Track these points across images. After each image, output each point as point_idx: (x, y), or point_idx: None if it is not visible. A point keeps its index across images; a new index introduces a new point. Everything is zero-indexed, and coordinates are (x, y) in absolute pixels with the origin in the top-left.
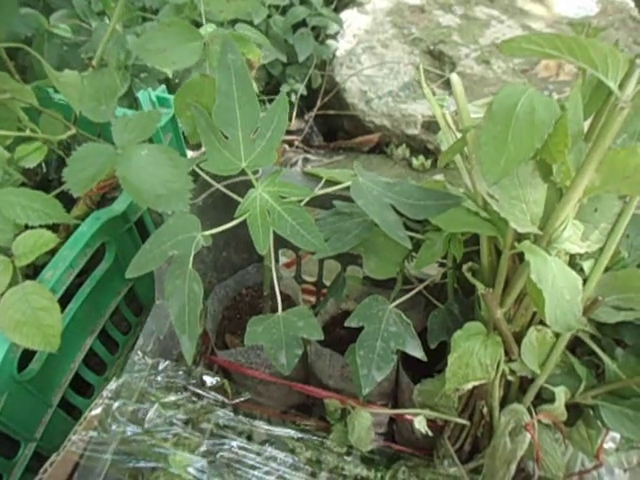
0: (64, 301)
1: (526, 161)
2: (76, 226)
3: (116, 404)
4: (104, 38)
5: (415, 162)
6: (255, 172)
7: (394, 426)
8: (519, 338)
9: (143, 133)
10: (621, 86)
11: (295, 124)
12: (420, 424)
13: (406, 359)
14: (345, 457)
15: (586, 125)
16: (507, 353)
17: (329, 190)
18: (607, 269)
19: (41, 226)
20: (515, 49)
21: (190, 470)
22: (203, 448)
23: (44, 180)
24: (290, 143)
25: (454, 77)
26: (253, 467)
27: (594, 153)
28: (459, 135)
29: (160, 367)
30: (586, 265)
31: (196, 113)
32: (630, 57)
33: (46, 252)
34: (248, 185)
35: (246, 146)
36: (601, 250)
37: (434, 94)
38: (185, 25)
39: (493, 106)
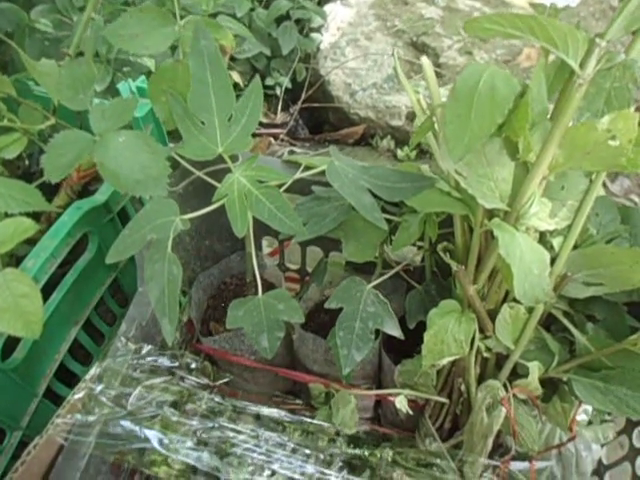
0: (48, 291)
1: (489, 137)
2: (58, 216)
3: (99, 387)
4: (79, 27)
5: (400, 153)
6: (235, 159)
7: (379, 410)
8: (493, 315)
9: (120, 120)
10: (582, 65)
11: (280, 117)
12: (401, 403)
13: (388, 341)
14: (334, 438)
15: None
16: (482, 330)
17: (305, 174)
18: (577, 246)
19: (21, 214)
20: (478, 29)
21: (179, 451)
22: (191, 429)
23: (26, 173)
24: (275, 136)
25: (424, 60)
26: (241, 447)
27: (556, 129)
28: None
29: (143, 352)
30: (556, 242)
31: (171, 100)
32: (589, 36)
33: (27, 243)
34: (228, 172)
35: (222, 131)
36: (569, 227)
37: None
38: (158, 11)
39: (457, 85)
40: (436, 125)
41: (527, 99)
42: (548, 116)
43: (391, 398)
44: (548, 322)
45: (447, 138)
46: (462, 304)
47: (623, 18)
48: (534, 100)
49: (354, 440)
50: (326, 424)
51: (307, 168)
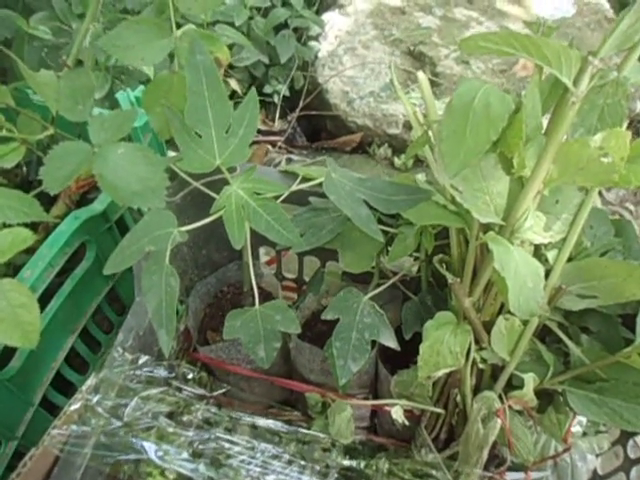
0: (45, 300)
1: (484, 153)
2: (55, 225)
3: (96, 398)
4: (78, 37)
5: (397, 161)
6: (233, 170)
7: (375, 420)
8: (489, 327)
9: (119, 132)
10: (575, 82)
11: (278, 125)
12: (397, 413)
13: (384, 352)
14: (330, 448)
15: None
16: (478, 342)
17: (303, 186)
18: (571, 259)
19: (19, 225)
20: (473, 47)
21: (175, 462)
22: (187, 440)
23: (24, 182)
24: (273, 144)
25: (420, 74)
26: (237, 459)
27: (550, 145)
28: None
29: (140, 362)
30: (550, 255)
31: (169, 113)
32: (582, 55)
33: (25, 252)
34: (226, 183)
35: (220, 144)
36: (564, 240)
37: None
38: (154, 22)
39: (453, 102)
40: (432, 139)
41: (521, 116)
42: (542, 131)
43: (387, 408)
44: (543, 334)
45: (443, 154)
46: (458, 316)
47: (615, 37)
48: (528, 116)
49: (350, 451)
50: (322, 435)
51: (304, 179)
